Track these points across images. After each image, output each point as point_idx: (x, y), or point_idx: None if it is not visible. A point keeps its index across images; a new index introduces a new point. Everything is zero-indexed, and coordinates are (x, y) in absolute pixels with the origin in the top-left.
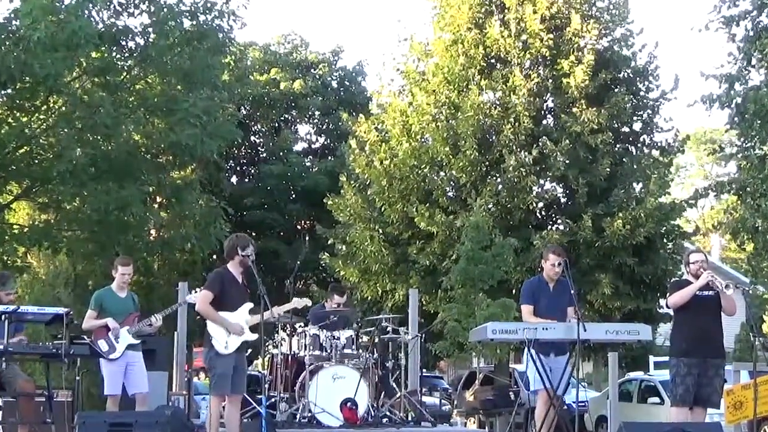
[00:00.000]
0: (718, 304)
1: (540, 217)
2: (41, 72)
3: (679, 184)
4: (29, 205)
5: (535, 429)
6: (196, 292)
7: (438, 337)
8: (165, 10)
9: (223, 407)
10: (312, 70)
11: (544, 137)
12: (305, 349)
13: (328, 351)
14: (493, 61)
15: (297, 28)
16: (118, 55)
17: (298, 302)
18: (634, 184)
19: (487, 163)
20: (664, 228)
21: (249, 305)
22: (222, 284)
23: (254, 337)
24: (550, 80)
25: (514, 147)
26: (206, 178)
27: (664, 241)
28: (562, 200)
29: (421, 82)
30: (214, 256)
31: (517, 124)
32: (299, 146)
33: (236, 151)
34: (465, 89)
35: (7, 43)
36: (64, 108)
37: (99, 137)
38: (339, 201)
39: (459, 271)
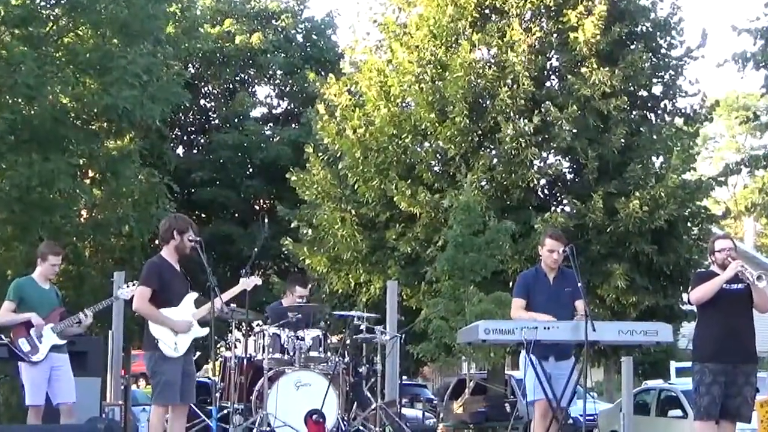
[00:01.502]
0: (750, 300)
1: (542, 196)
2: None
3: (706, 159)
4: None
5: None
6: (130, 285)
7: (421, 338)
8: None
9: (166, 420)
10: (273, 22)
11: (547, 102)
12: (263, 351)
13: (291, 354)
14: (487, 11)
15: None
16: (43, 3)
17: (246, 283)
18: (653, 158)
19: (479, 132)
20: (689, 210)
21: (193, 295)
22: (160, 276)
23: (205, 332)
24: (555, 35)
25: (512, 113)
26: (147, 148)
27: (688, 225)
28: (569, 176)
29: (402, 36)
30: (156, 241)
31: (515, 86)
32: (257, 111)
33: (183, 117)
34: (454, 45)
35: None
36: None
37: (19, 100)
38: (304, 176)
39: (446, 260)
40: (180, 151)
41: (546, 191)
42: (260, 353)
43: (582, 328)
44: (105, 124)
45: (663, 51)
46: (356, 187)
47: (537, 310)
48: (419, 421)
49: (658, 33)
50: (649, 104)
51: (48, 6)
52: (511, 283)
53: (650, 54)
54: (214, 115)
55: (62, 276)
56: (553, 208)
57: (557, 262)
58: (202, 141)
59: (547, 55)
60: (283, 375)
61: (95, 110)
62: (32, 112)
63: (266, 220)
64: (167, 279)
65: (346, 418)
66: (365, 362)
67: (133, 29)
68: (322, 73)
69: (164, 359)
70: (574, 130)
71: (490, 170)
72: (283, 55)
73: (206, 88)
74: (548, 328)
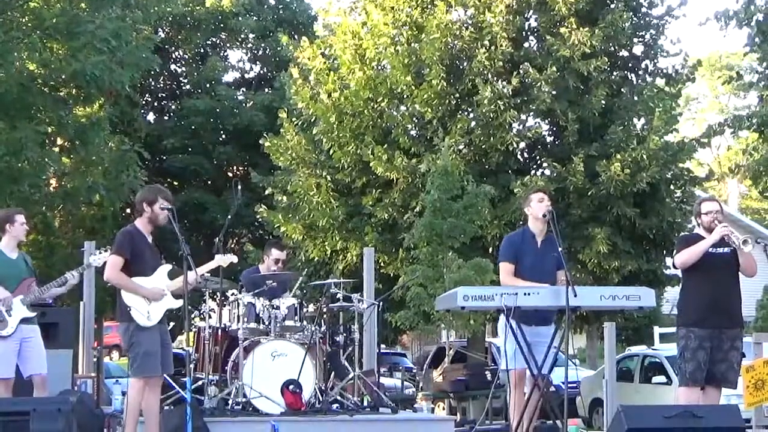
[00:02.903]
0: (736, 264)
1: (521, 159)
2: None
3: (689, 120)
4: None
5: (511, 419)
6: (102, 252)
7: (399, 306)
8: None
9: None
10: None
11: (525, 63)
12: (238, 321)
13: (266, 323)
14: None
15: None
16: None
17: (221, 260)
18: (635, 120)
19: (457, 95)
20: (671, 172)
21: (167, 267)
22: (132, 246)
23: (179, 303)
24: None
25: (490, 75)
26: (117, 115)
27: (671, 187)
28: (548, 139)
29: None
30: (127, 210)
31: (492, 47)
32: (230, 76)
33: (153, 83)
34: (430, 6)
35: None
36: None
37: None
38: (278, 142)
39: (424, 226)
40: (151, 117)
41: (525, 154)
42: (235, 323)
43: (563, 293)
44: (73, 90)
45: (644, 10)
46: (331, 152)
47: (523, 273)
48: (398, 391)
49: None
50: (630, 65)
51: None
52: (490, 249)
53: (631, 13)
54: (186, 81)
55: (32, 246)
56: (532, 171)
57: (549, 207)
58: (173, 107)
59: (526, 15)
60: (259, 345)
61: (63, 76)
62: None
63: (240, 187)
64: (140, 249)
65: (323, 388)
66: (342, 331)
67: None
68: (296, 36)
69: (140, 330)
70: (554, 92)
71: (468, 134)
72: (255, 18)
73: (177, 53)
74: (528, 294)
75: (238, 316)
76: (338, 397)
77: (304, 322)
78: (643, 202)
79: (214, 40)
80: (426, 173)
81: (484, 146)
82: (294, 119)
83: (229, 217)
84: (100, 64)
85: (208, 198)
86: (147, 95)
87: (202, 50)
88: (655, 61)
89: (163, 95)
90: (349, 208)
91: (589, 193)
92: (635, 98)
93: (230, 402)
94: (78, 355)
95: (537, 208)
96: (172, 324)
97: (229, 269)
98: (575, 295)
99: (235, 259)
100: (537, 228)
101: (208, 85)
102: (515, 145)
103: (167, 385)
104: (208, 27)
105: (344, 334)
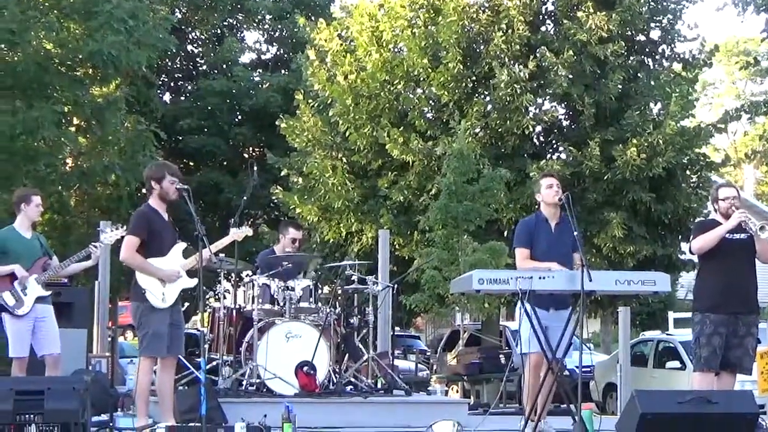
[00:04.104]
0: (753, 249)
1: (537, 143)
2: None
3: (705, 105)
4: None
5: (527, 400)
6: (113, 229)
7: (414, 289)
8: None
9: (154, 372)
10: None
11: (542, 47)
12: (253, 302)
13: (281, 304)
14: None
15: None
16: None
17: (236, 233)
18: (651, 105)
19: (473, 78)
20: (687, 157)
21: (182, 245)
22: (149, 225)
23: (194, 282)
24: None
25: (507, 59)
26: (133, 95)
27: (687, 173)
28: (564, 123)
29: None
30: (143, 190)
31: (509, 31)
32: (246, 57)
33: (170, 63)
34: None
35: None
36: None
37: (2, 46)
38: (294, 124)
39: (439, 209)
40: (167, 97)
41: (541, 138)
42: (250, 304)
43: (578, 277)
44: (90, 70)
45: None
46: (347, 134)
47: (538, 257)
48: (412, 373)
49: None
50: (647, 49)
51: None
52: (506, 233)
53: None
54: (202, 61)
55: (48, 225)
56: (548, 155)
57: (558, 195)
58: (189, 88)
59: None
60: (273, 326)
61: (80, 56)
62: (15, 58)
63: (255, 169)
64: (156, 228)
65: (337, 369)
66: (357, 313)
67: None
68: (312, 18)
69: (151, 310)
70: (570, 76)
71: (484, 117)
72: None
73: (193, 34)
74: (543, 277)
75: (253, 297)
76: (352, 379)
77: (319, 304)
78: (659, 187)
79: (230, 21)
80: (442, 156)
81: (500, 130)
82: (310, 101)
83: (245, 197)
84: (117, 45)
85: (224, 179)
86: (163, 76)
87: (218, 31)
88: (672, 45)
89: (180, 76)
90: (365, 190)
91: (605, 178)
92: (652, 83)
93: (244, 383)
94: (93, 335)
95: (545, 194)
96: (186, 304)
97: (243, 250)
98: (590, 280)
99: (250, 231)
100: (549, 212)
101: (224, 66)
102: (531, 129)
103: (181, 366)
104: (224, 8)
105: (359, 316)
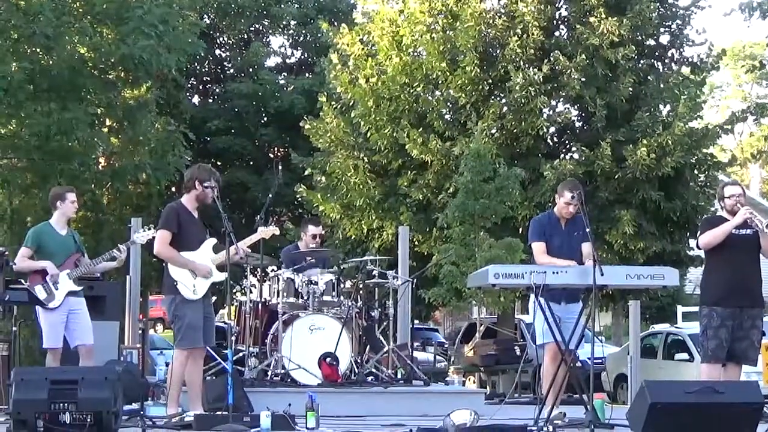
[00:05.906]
0: (758, 246)
1: (551, 143)
2: None
3: (713, 107)
4: None
5: (543, 389)
6: (146, 229)
7: (432, 283)
8: None
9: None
10: None
11: (556, 51)
12: (278, 295)
13: (305, 298)
14: None
15: None
16: None
17: (264, 232)
18: (661, 106)
19: (489, 81)
20: (695, 157)
21: (212, 241)
22: (179, 220)
23: (223, 276)
24: None
25: (522, 62)
26: (163, 97)
27: (695, 172)
28: (577, 124)
29: None
30: (173, 189)
31: (524, 35)
32: (272, 61)
33: (198, 67)
34: None
35: None
36: None
37: (38, 50)
38: (318, 125)
39: (457, 207)
40: (196, 100)
41: (555, 139)
42: (275, 298)
43: (590, 272)
44: (122, 73)
45: (670, 1)
46: (369, 135)
47: (551, 253)
48: (431, 364)
49: None
50: (657, 53)
51: None
52: (520, 229)
53: (658, 3)
54: (229, 65)
55: (81, 223)
56: (561, 155)
57: (571, 214)
58: (217, 90)
59: (556, 5)
60: (297, 319)
61: (112, 60)
62: (50, 62)
63: (280, 168)
64: (186, 223)
65: (359, 361)
66: (378, 306)
67: None
68: (335, 23)
69: (185, 302)
70: (583, 79)
71: (500, 118)
72: (296, 5)
73: (221, 39)
74: (557, 272)
75: (278, 291)
76: (373, 370)
77: (341, 298)
78: (668, 186)
79: (257, 26)
80: (459, 156)
81: (515, 130)
82: (333, 103)
83: (270, 196)
84: (148, 49)
85: (250, 178)
86: (192, 79)
87: (245, 36)
88: (681, 50)
89: (208, 79)
90: (385, 189)
91: (616, 177)
92: (661, 86)
93: (269, 373)
94: (124, 327)
95: (561, 208)
96: (214, 298)
97: (268, 246)
98: (602, 274)
99: (277, 231)
100: (562, 216)
101: (250, 70)
102: (545, 130)
103: (209, 357)
104: (251, 14)
105: (379, 310)
